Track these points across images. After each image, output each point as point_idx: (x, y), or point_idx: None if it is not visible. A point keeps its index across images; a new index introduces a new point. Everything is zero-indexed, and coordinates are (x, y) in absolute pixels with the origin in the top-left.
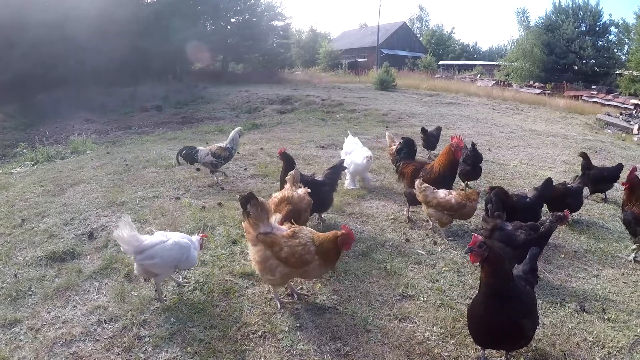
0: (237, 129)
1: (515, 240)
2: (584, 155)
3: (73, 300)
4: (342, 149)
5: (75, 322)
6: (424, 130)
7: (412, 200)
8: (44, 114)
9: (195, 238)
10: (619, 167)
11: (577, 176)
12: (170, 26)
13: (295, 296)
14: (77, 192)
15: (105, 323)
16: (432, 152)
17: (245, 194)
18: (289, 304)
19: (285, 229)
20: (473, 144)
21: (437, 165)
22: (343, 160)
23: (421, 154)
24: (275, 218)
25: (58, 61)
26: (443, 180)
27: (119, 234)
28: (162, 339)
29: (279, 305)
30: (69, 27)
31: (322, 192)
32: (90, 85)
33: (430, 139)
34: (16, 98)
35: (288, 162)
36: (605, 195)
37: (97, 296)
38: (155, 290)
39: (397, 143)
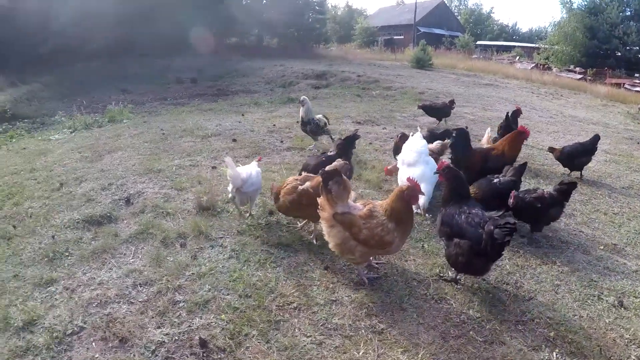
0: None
1: None
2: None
3: (109, 263)
4: (378, 125)
5: (110, 284)
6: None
7: None
8: (81, 85)
9: (254, 164)
10: (596, 138)
11: (509, 167)
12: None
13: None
14: (115, 158)
15: (140, 286)
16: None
17: (330, 169)
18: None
19: (361, 206)
20: (507, 114)
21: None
22: (357, 130)
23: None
24: (352, 196)
25: (95, 34)
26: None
27: (231, 173)
28: (196, 305)
29: (366, 283)
30: (106, 1)
31: None
32: (127, 57)
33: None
34: (54, 68)
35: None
36: (582, 174)
37: (132, 260)
38: (247, 212)
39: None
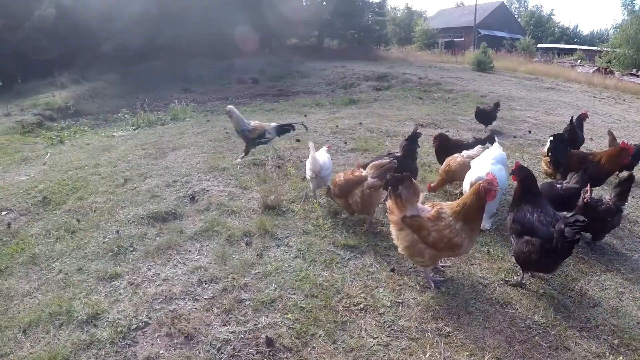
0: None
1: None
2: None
3: (174, 259)
4: (441, 128)
5: (175, 280)
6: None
7: None
8: (143, 83)
9: (324, 149)
10: None
11: (574, 174)
12: (267, 1)
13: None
14: (179, 156)
15: (206, 284)
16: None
17: (400, 174)
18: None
19: (429, 208)
20: (572, 118)
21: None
22: (416, 127)
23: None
24: (421, 198)
25: (158, 34)
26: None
27: (313, 155)
28: (262, 304)
29: (432, 286)
30: (169, 2)
31: (405, 166)
32: (189, 57)
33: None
34: (117, 67)
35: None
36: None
37: (197, 257)
38: (313, 196)
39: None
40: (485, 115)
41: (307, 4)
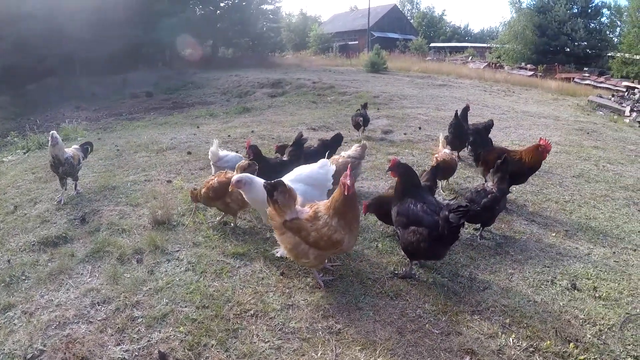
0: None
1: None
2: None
3: (66, 284)
4: (333, 131)
5: (68, 305)
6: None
7: None
8: (34, 104)
9: (240, 156)
10: (489, 123)
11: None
12: (160, 12)
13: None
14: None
15: (99, 305)
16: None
17: (273, 181)
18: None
19: (308, 209)
20: (456, 112)
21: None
22: (301, 132)
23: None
24: (299, 201)
25: (48, 51)
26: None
27: (211, 149)
28: (155, 320)
29: (322, 286)
30: (58, 18)
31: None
32: (81, 74)
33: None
34: (6, 89)
35: (256, 156)
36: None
37: (90, 279)
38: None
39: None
40: (365, 120)
41: (200, 13)
